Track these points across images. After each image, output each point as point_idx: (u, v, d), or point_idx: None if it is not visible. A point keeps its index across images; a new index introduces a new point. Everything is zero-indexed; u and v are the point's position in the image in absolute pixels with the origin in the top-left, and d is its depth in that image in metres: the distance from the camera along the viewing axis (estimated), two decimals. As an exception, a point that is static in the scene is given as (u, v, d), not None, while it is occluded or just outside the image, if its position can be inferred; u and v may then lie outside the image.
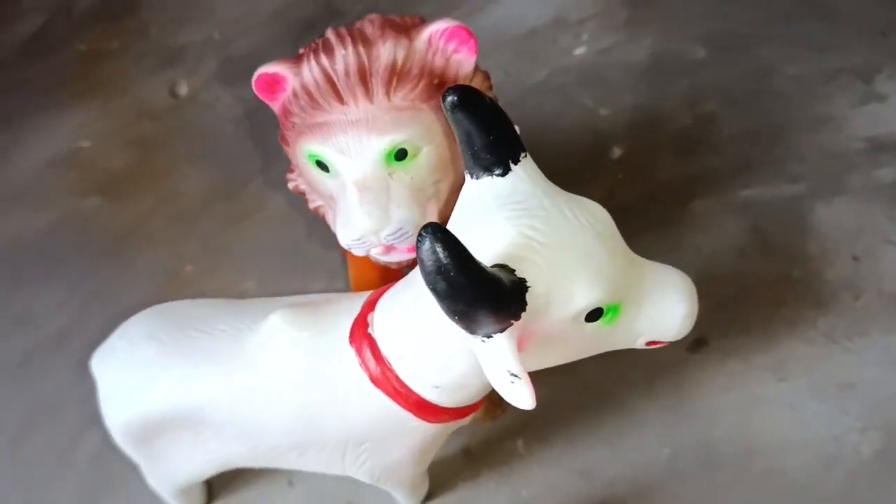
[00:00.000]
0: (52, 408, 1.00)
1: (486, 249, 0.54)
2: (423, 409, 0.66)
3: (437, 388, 0.64)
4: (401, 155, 0.67)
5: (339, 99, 0.66)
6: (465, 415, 0.70)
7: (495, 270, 0.52)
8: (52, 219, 1.18)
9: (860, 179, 1.09)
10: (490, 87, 0.73)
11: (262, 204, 1.17)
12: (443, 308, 0.50)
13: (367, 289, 0.70)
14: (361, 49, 0.66)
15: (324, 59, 0.66)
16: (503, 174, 0.57)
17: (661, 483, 0.89)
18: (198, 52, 1.35)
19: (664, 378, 0.96)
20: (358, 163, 0.66)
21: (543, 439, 0.93)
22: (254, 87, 0.70)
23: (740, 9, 1.30)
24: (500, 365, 0.53)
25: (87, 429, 0.96)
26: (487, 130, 0.56)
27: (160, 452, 0.77)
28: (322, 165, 0.68)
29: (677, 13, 1.31)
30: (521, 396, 0.53)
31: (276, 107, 0.71)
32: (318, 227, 0.97)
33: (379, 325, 0.65)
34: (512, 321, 0.52)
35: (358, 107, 0.66)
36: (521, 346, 0.55)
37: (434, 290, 0.49)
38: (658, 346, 0.63)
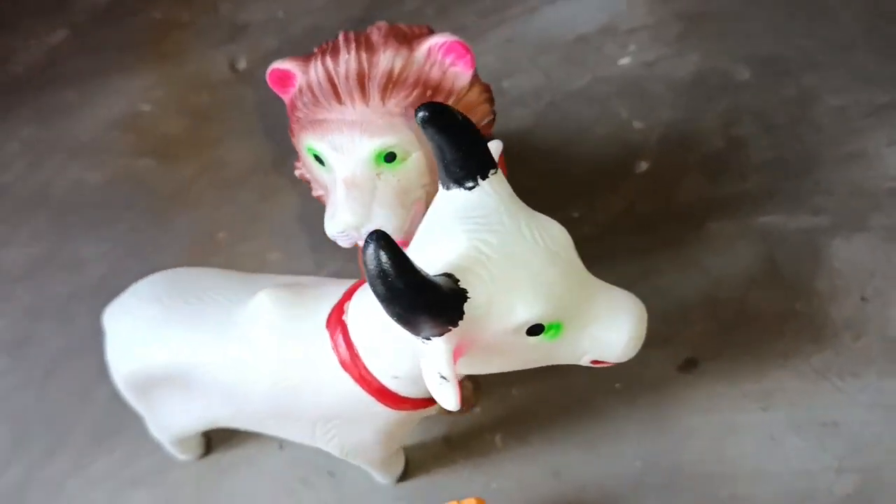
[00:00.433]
0: (81, 349, 1.09)
1: (439, 257, 0.58)
2: (384, 396, 0.71)
3: (395, 378, 0.69)
4: (390, 157, 0.71)
5: (338, 99, 0.71)
6: (427, 406, 0.74)
7: (439, 278, 0.56)
8: (107, 175, 1.28)
9: (884, 220, 1.08)
10: (488, 100, 0.76)
11: (297, 182, 1.23)
12: (384, 310, 0.55)
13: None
14: (364, 55, 0.70)
15: (329, 61, 0.71)
16: (471, 188, 0.61)
17: (627, 495, 0.92)
18: (261, 29, 1.42)
19: (649, 393, 0.98)
20: (349, 161, 0.71)
21: (521, 437, 0.97)
22: (267, 79, 0.75)
23: (800, 33, 1.28)
24: (434, 366, 0.57)
25: (107, 373, 1.05)
26: (457, 146, 0.60)
27: (156, 404, 0.85)
28: (319, 159, 0.73)
29: (732, 32, 1.31)
30: (447, 398, 0.57)
31: (286, 100, 0.77)
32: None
33: (352, 313, 0.70)
34: (450, 327, 0.56)
35: (354, 108, 0.70)
36: (462, 350, 0.60)
37: (375, 292, 0.53)
38: (602, 365, 0.65)
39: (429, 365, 0.58)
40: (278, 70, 0.74)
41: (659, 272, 1.07)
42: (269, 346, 0.74)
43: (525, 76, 1.30)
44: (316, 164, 0.74)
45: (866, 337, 1.00)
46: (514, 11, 1.37)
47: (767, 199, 1.12)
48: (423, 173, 0.73)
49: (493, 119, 0.78)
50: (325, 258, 1.14)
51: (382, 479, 0.94)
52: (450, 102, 0.72)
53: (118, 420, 1.00)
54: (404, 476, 0.95)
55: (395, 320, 0.55)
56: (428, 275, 0.54)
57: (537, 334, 0.60)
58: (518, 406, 1.00)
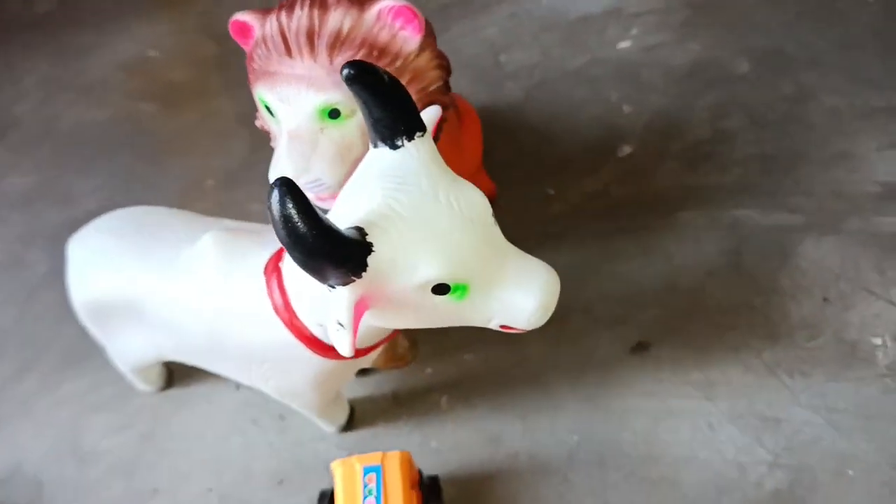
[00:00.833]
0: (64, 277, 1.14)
1: (354, 211, 0.61)
2: (312, 343, 0.74)
3: (320, 325, 0.72)
4: (334, 114, 0.73)
5: (289, 53, 0.73)
6: (357, 356, 0.77)
7: (347, 230, 0.58)
8: (109, 115, 1.33)
9: (859, 223, 1.07)
10: (440, 67, 0.78)
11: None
12: (289, 255, 0.57)
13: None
14: (316, 12, 0.72)
15: (283, 16, 0.73)
16: (394, 148, 0.63)
17: (559, 467, 0.94)
18: (274, -15, 1.45)
19: (597, 371, 1.00)
20: (294, 113, 0.73)
21: (466, 401, 1.00)
22: (229, 30, 0.78)
23: (808, 31, 1.27)
24: (335, 312, 0.60)
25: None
26: (383, 105, 0.61)
27: (111, 333, 0.89)
28: (270, 110, 0.76)
29: (739, 24, 1.30)
30: (341, 343, 0.59)
31: (247, 50, 0.79)
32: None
33: (287, 261, 0.73)
34: (353, 278, 0.59)
35: (303, 63, 0.73)
36: (369, 303, 0.62)
37: (279, 237, 0.56)
38: (512, 331, 0.67)
39: (331, 311, 0.60)
40: (238, 21, 0.77)
41: (623, 256, 1.08)
42: (209, 285, 0.77)
43: (523, 52, 1.31)
44: (267, 114, 0.77)
45: (821, 338, 1.00)
46: (527, -14, 1.38)
47: (744, 193, 1.12)
48: (365, 133, 0.75)
49: (445, 86, 0.80)
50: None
51: (326, 427, 0.97)
52: (396, 65, 0.74)
53: (88, 348, 1.05)
54: (348, 427, 0.99)
55: (299, 266, 0.57)
56: (332, 224, 0.56)
57: (443, 294, 0.62)
58: (468, 371, 1.02)
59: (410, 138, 0.62)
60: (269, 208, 0.54)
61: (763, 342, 1.00)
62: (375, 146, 0.64)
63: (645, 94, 1.24)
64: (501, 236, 0.65)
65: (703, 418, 0.96)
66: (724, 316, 1.02)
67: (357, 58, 0.73)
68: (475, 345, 1.03)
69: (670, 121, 1.20)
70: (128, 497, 0.97)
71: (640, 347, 1.01)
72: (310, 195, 0.77)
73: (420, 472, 0.90)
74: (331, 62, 0.72)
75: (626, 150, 1.18)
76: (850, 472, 0.91)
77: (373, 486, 0.82)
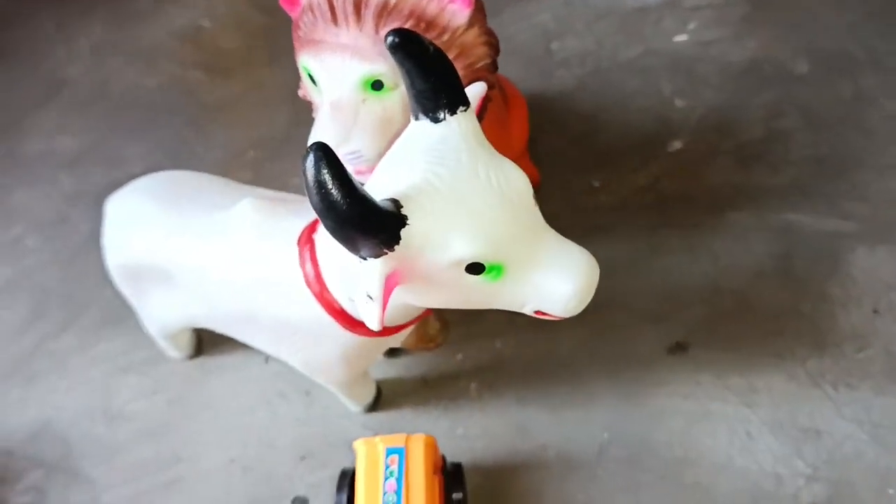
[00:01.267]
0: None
1: (392, 183, 0.59)
2: (341, 317, 0.73)
3: (350, 300, 0.71)
4: (377, 85, 0.72)
5: (335, 21, 0.71)
6: (387, 333, 0.76)
7: (382, 201, 0.57)
8: (160, 81, 1.33)
9: (915, 235, 1.03)
10: (487, 44, 0.76)
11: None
12: (322, 222, 0.56)
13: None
14: (364, -19, 0.71)
15: (331, -16, 0.72)
16: (436, 121, 0.61)
17: (588, 462, 0.92)
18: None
19: (633, 368, 0.97)
20: (337, 82, 0.72)
21: (495, 389, 0.98)
22: (277, -3, 0.77)
23: (873, 34, 1.22)
24: (365, 285, 0.58)
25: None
26: (426, 76, 0.60)
27: (143, 296, 0.89)
28: (313, 79, 0.75)
29: (800, 22, 1.26)
30: (370, 317, 0.58)
31: (293, 18, 0.78)
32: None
33: (321, 232, 0.72)
34: (385, 251, 0.57)
35: (349, 31, 0.71)
36: (400, 278, 0.60)
37: (312, 203, 0.54)
38: (547, 317, 0.65)
39: (361, 284, 0.59)
40: (286, -12, 0.76)
41: (667, 251, 1.05)
42: (242, 250, 0.76)
43: (576, 39, 1.28)
44: (310, 84, 0.76)
45: (870, 350, 0.96)
46: (583, -26, 1.35)
47: (797, 196, 1.08)
48: (407, 107, 0.73)
49: (492, 64, 0.77)
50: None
51: (353, 405, 0.96)
52: (443, 39, 0.72)
53: (124, 311, 1.05)
54: (375, 407, 0.98)
55: (331, 234, 0.56)
56: (367, 193, 0.55)
57: (478, 273, 0.60)
58: (499, 359, 1.00)
59: (453, 112, 0.61)
60: (304, 173, 0.53)
61: (809, 350, 0.96)
62: (417, 118, 0.62)
63: (699, 89, 1.20)
64: (542, 219, 0.63)
65: (741, 425, 0.93)
66: (769, 321, 0.99)
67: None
68: (508, 332, 1.01)
69: (724, 118, 1.17)
70: (151, 462, 0.98)
71: (680, 347, 0.98)
72: (348, 168, 0.77)
73: (444, 458, 0.89)
74: (377, 32, 0.71)
75: (677, 144, 1.15)
76: (891, 491, 0.87)
77: (394, 467, 0.81)
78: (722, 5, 1.29)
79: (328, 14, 0.72)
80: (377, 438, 0.83)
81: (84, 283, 1.13)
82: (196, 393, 1.02)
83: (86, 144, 1.28)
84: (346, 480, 0.85)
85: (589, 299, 0.62)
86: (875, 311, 0.98)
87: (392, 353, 1.01)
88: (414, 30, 0.71)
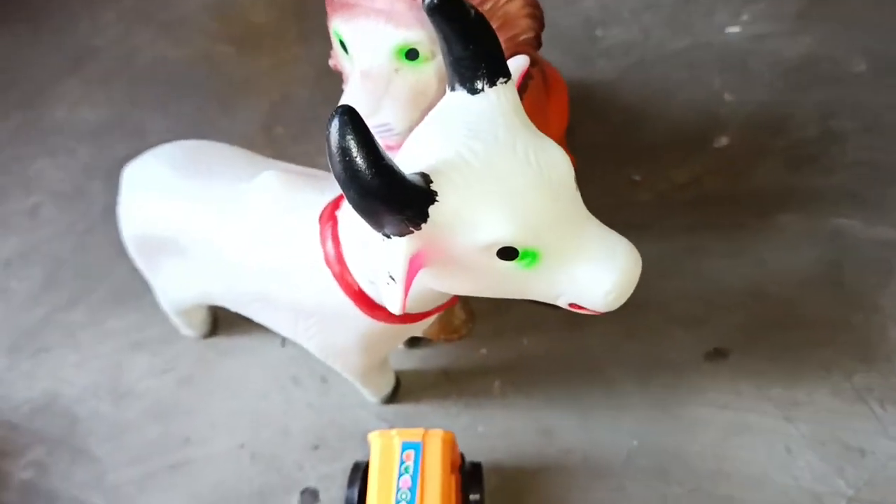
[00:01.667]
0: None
1: (423, 156, 0.54)
2: (361, 300, 0.68)
3: (372, 283, 0.66)
4: (412, 54, 0.67)
5: (371, -16, 0.67)
6: (409, 321, 0.71)
7: (410, 175, 0.52)
8: (188, 54, 1.30)
9: (975, 248, 0.96)
10: (531, 16, 0.71)
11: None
12: (343, 191, 0.51)
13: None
14: (401, -60, 0.66)
15: (366, -56, 0.67)
16: (475, 92, 0.56)
17: (615, 471, 0.87)
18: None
19: (666, 373, 0.92)
20: (369, 50, 0.67)
21: (520, 387, 0.93)
22: (313, -43, 0.73)
23: (936, 33, 1.16)
24: (387, 265, 0.53)
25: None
26: (465, 42, 0.55)
27: (157, 269, 0.85)
28: (345, 47, 0.70)
29: (859, 20, 1.19)
30: (391, 298, 0.53)
31: (328, -19, 0.74)
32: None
33: (344, 209, 0.67)
34: (411, 228, 0.52)
35: (385, -4, 0.67)
36: (426, 259, 0.55)
37: (334, 171, 0.50)
38: (582, 311, 0.60)
39: (383, 263, 0.54)
40: (323, -52, 0.71)
41: (708, 252, 1.00)
42: (259, 226, 0.72)
43: (621, 28, 1.23)
44: (341, 51, 0.71)
45: (922, 367, 0.90)
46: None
47: (849, 201, 1.02)
48: (441, 79, 0.68)
49: (536, 39, 0.72)
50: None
51: (370, 395, 0.92)
52: (486, 7, 0.67)
53: (138, 286, 1.01)
54: (393, 398, 0.93)
55: (353, 207, 0.51)
56: (395, 164, 0.50)
57: (510, 259, 0.55)
58: (526, 356, 0.95)
59: (493, 83, 0.56)
60: (327, 138, 0.48)
61: (856, 364, 0.91)
62: (453, 89, 0.57)
63: (750, 84, 1.14)
64: (583, 205, 0.58)
65: (780, 439, 0.87)
66: (815, 331, 0.93)
67: (445, -4, 0.66)
68: (536, 329, 0.96)
69: (775, 115, 1.11)
70: (159, 443, 0.94)
71: (718, 354, 0.93)
72: (378, 141, 0.72)
73: (463, 457, 0.84)
74: (415, -2, 0.66)
75: (724, 141, 1.09)
76: (939, 519, 0.81)
77: (410, 463, 0.76)
78: (776, -2, 1.23)
79: (364, -24, 0.67)
80: (393, 431, 0.78)
81: (98, 257, 1.09)
82: (208, 374, 0.98)
83: (108, 116, 1.25)
84: (359, 474, 0.81)
85: (629, 294, 0.57)
86: (930, 327, 0.92)
87: (413, 342, 0.96)
88: (457, -5, 0.66)
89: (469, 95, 0.56)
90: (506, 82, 0.56)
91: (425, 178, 0.52)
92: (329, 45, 0.74)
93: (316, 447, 0.92)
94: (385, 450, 0.78)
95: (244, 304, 0.81)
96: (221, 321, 1.00)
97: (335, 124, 0.48)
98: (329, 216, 0.68)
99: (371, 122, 0.68)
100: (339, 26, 0.69)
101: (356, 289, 0.68)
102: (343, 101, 0.70)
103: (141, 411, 0.96)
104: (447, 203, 0.52)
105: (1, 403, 0.98)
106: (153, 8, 1.38)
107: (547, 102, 0.93)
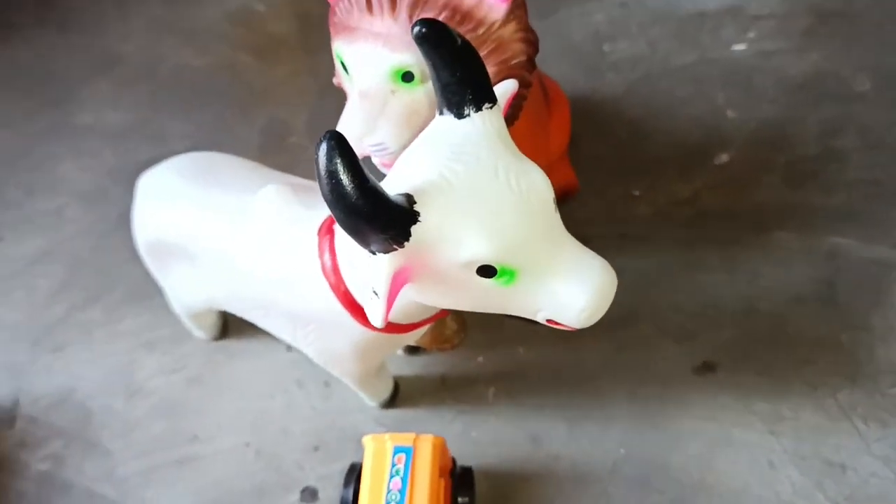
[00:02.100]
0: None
1: (408, 179, 0.58)
2: (355, 310, 0.72)
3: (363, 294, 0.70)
4: (408, 77, 0.71)
5: (370, 9, 0.70)
6: (399, 331, 0.74)
7: (394, 196, 0.55)
8: (208, 63, 1.34)
9: (970, 270, 0.97)
10: (524, 41, 0.73)
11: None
12: (331, 212, 0.55)
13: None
14: (400, -30, 0.69)
15: (368, -29, 0.71)
16: (460, 117, 0.59)
17: (600, 479, 0.89)
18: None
19: (655, 385, 0.94)
20: (367, 72, 0.71)
21: (513, 396, 0.96)
22: (319, -19, 0.76)
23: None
24: (372, 280, 0.57)
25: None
26: (452, 69, 0.58)
27: (167, 274, 0.90)
28: (345, 67, 0.74)
29: (865, 38, 1.20)
30: (374, 312, 0.57)
31: (331, 4, 0.77)
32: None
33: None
34: (395, 246, 0.56)
35: (382, 20, 0.70)
36: (410, 275, 0.59)
37: (322, 193, 0.53)
38: (560, 327, 0.63)
39: (368, 278, 0.58)
40: (327, -26, 0.75)
41: (704, 268, 1.02)
42: (262, 237, 0.76)
43: (628, 43, 1.25)
44: (343, 71, 0.75)
45: (908, 387, 0.91)
46: (643, -24, 1.31)
47: (847, 220, 1.03)
48: (434, 101, 0.71)
49: (528, 62, 0.75)
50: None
51: (369, 400, 0.95)
52: (478, 33, 0.70)
53: (152, 288, 1.06)
54: (391, 403, 0.97)
55: (339, 225, 0.55)
56: (379, 186, 0.54)
57: (489, 277, 0.58)
58: (520, 365, 0.98)
59: (478, 108, 0.59)
60: (316, 161, 0.52)
61: (842, 381, 0.92)
62: (441, 113, 0.60)
63: (754, 101, 1.16)
64: (561, 225, 0.61)
65: (763, 453, 0.89)
66: (803, 348, 0.95)
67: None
68: (530, 340, 0.99)
69: (777, 132, 1.12)
70: (168, 439, 0.98)
71: (707, 367, 0.95)
72: (374, 160, 0.76)
73: (454, 461, 0.87)
74: (410, 22, 0.69)
75: (724, 157, 1.11)
76: (917, 537, 0.83)
77: (401, 466, 0.80)
78: (785, 16, 1.24)
79: (364, 2, 0.71)
80: (386, 435, 0.82)
81: (116, 258, 1.14)
82: (217, 374, 1.02)
83: (132, 121, 1.30)
84: (354, 475, 0.84)
85: (603, 311, 0.60)
86: (919, 347, 0.93)
87: (412, 350, 1.00)
88: (448, 22, 0.69)
89: (456, 120, 0.59)
90: (492, 107, 0.59)
91: (409, 198, 0.55)
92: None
93: (316, 448, 0.96)
94: (377, 453, 0.81)
95: (248, 310, 0.85)
96: (231, 325, 1.04)
97: (323, 148, 0.51)
98: (327, 229, 0.72)
99: (367, 141, 0.72)
100: (340, 48, 0.73)
101: (351, 299, 0.71)
102: (342, 119, 0.73)
103: (151, 408, 1.01)
104: (429, 222, 0.55)
105: (22, 397, 1.03)
106: (179, 17, 1.43)
107: (548, 117, 0.96)
